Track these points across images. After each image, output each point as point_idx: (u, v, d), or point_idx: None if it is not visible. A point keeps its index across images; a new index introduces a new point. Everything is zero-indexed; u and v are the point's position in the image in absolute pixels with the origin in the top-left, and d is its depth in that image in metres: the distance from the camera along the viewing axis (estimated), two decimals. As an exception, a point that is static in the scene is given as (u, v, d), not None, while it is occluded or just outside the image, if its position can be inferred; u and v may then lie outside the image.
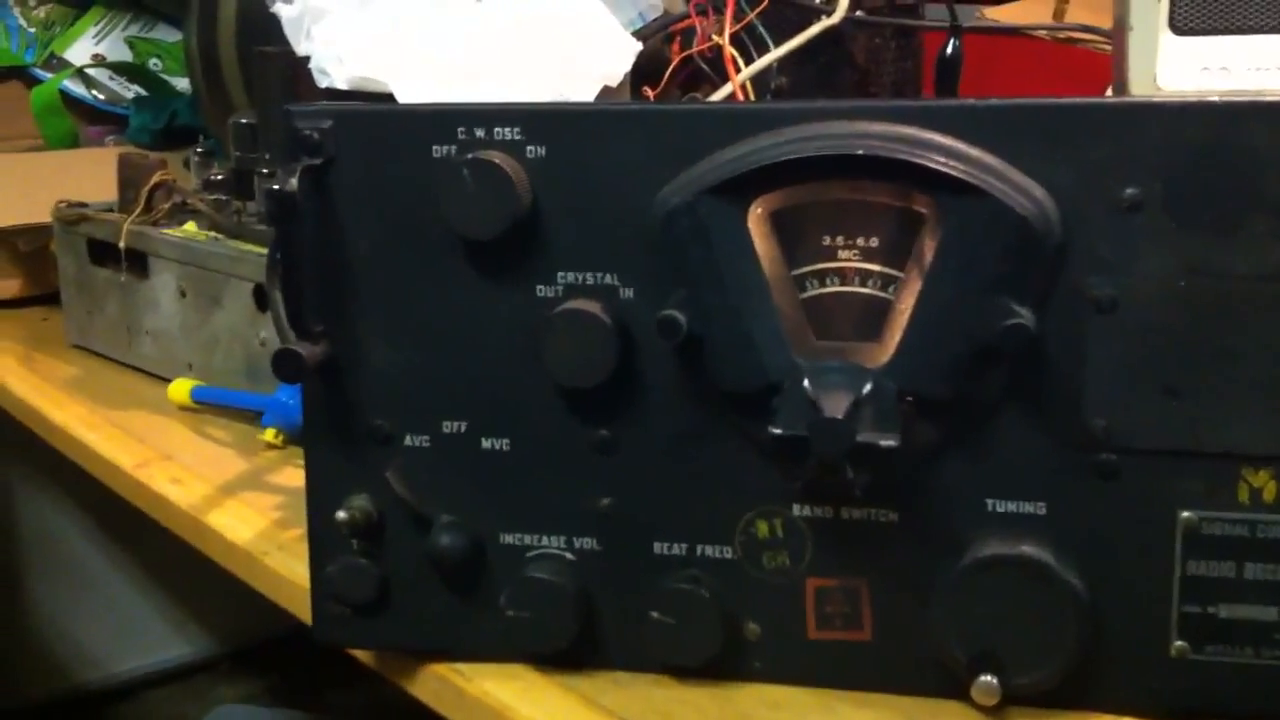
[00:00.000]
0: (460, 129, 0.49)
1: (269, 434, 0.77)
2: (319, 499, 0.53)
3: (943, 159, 0.46)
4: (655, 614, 0.50)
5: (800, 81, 0.89)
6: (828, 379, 0.47)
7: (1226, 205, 0.45)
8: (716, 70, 0.86)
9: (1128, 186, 0.45)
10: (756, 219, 0.48)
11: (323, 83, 0.73)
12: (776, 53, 0.82)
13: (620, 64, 0.76)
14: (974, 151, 0.46)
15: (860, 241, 0.48)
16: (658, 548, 0.51)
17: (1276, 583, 0.47)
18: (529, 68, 0.74)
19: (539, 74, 0.74)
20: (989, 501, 0.48)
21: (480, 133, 0.49)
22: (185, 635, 1.82)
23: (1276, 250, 0.45)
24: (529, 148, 0.49)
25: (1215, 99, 0.45)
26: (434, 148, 0.49)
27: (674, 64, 0.85)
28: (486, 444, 0.52)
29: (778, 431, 0.46)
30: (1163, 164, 0.45)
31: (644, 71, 0.84)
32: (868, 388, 0.46)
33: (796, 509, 0.50)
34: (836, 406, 0.45)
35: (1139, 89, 0.55)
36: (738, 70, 0.80)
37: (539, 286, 0.50)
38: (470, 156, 0.48)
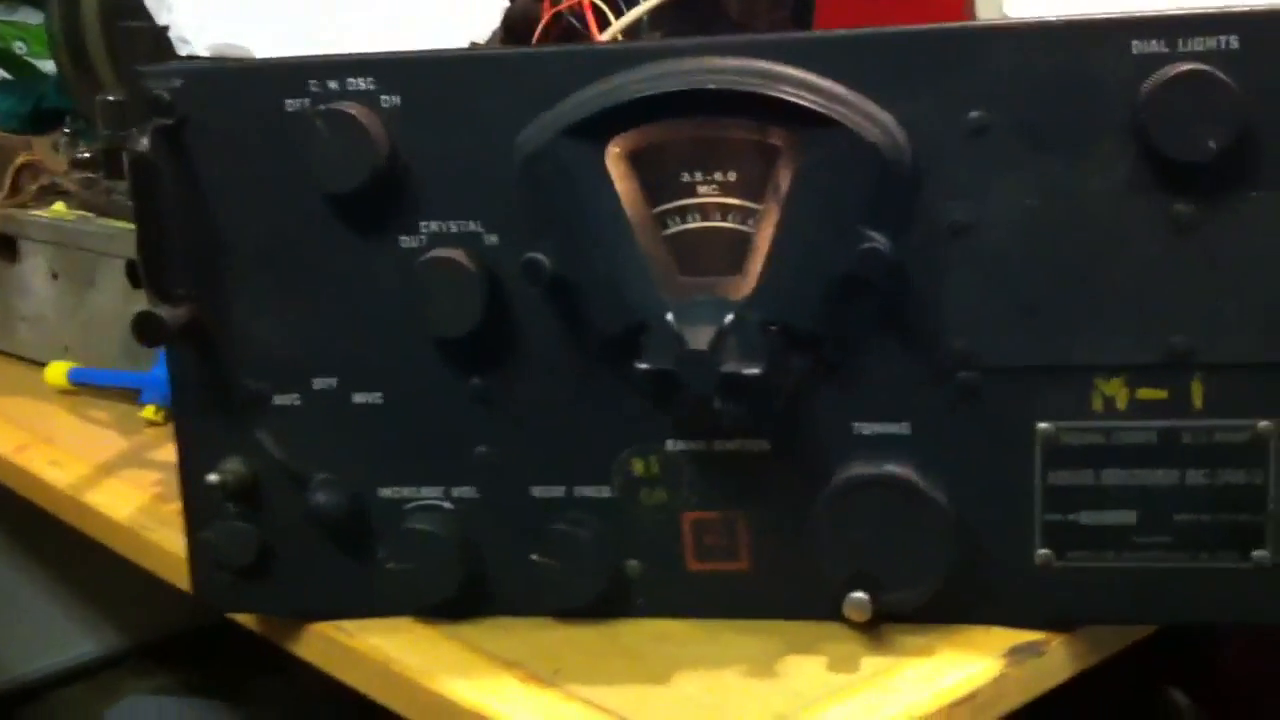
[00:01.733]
0: (312, 81, 0.49)
1: (149, 411, 0.76)
2: (192, 464, 0.53)
3: (793, 91, 0.46)
4: (537, 557, 0.51)
5: (675, 36, 0.90)
6: (692, 313, 0.47)
7: (1072, 126, 0.46)
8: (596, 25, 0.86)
9: (975, 110, 0.46)
10: (615, 159, 0.48)
11: (183, 51, 0.72)
12: (644, 6, 0.82)
13: (488, 21, 0.76)
14: (825, 83, 0.47)
15: (719, 177, 0.49)
16: (536, 491, 0.52)
17: (1134, 487, 0.48)
18: (396, 28, 0.74)
19: (406, 34, 0.73)
20: (855, 425, 0.49)
21: (333, 84, 0.49)
22: (93, 632, 1.78)
23: (1122, 169, 0.46)
24: (383, 97, 0.49)
25: (1054, 20, 0.46)
26: (287, 102, 0.49)
27: (545, 20, 0.84)
28: (359, 399, 0.52)
29: (645, 367, 0.47)
30: (1009, 88, 0.46)
31: (516, 30, 0.84)
32: (730, 319, 0.46)
33: (671, 445, 0.51)
34: (701, 339, 0.46)
35: (985, 15, 0.56)
36: (604, 23, 0.80)
37: (403, 237, 0.50)
38: (323, 108, 0.48)
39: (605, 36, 0.80)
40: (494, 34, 0.77)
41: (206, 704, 1.51)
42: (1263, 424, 0.47)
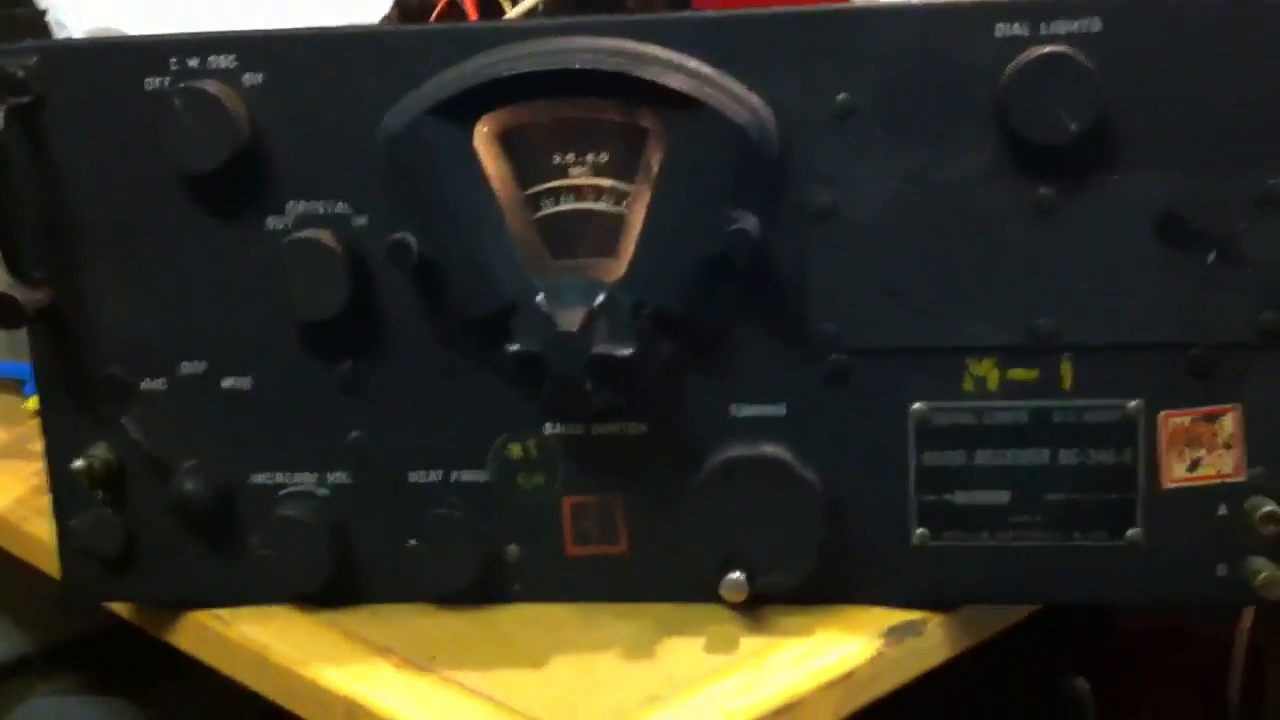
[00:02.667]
0: (173, 59, 0.48)
1: (32, 402, 0.74)
2: (57, 451, 0.51)
3: (659, 71, 0.46)
4: (413, 543, 0.50)
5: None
6: (562, 295, 0.47)
7: (937, 110, 0.46)
8: (486, 15, 0.85)
9: (842, 93, 0.46)
10: (484, 139, 0.47)
11: (60, 34, 0.70)
12: (540, -9, 0.82)
13: (378, 5, 0.75)
14: (692, 63, 0.47)
15: (591, 158, 0.48)
16: (412, 477, 0.51)
17: (1005, 466, 0.49)
18: (283, 11, 0.72)
19: (294, 17, 0.72)
20: (731, 407, 0.49)
21: (194, 62, 0.48)
22: (-3, 636, 1.74)
23: (986, 152, 0.46)
24: (245, 75, 0.48)
25: (919, 3, 0.46)
26: (146, 80, 0.48)
27: (439, 8, 0.84)
28: (227, 384, 0.51)
29: (515, 349, 0.46)
30: (874, 71, 0.46)
31: (410, 16, 0.83)
32: (601, 300, 0.46)
33: (548, 429, 0.51)
34: (571, 321, 0.46)
35: None
36: (490, 12, 0.79)
37: (269, 218, 0.49)
38: (181, 86, 0.47)
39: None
40: (385, 18, 0.76)
41: (110, 705, 1.47)
42: (1131, 404, 0.48)
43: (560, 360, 0.45)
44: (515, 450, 0.51)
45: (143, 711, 1.55)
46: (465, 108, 0.47)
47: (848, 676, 0.46)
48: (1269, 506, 0.46)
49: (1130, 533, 0.48)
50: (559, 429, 0.50)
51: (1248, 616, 0.84)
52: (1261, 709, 0.98)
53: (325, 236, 0.48)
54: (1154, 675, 1.02)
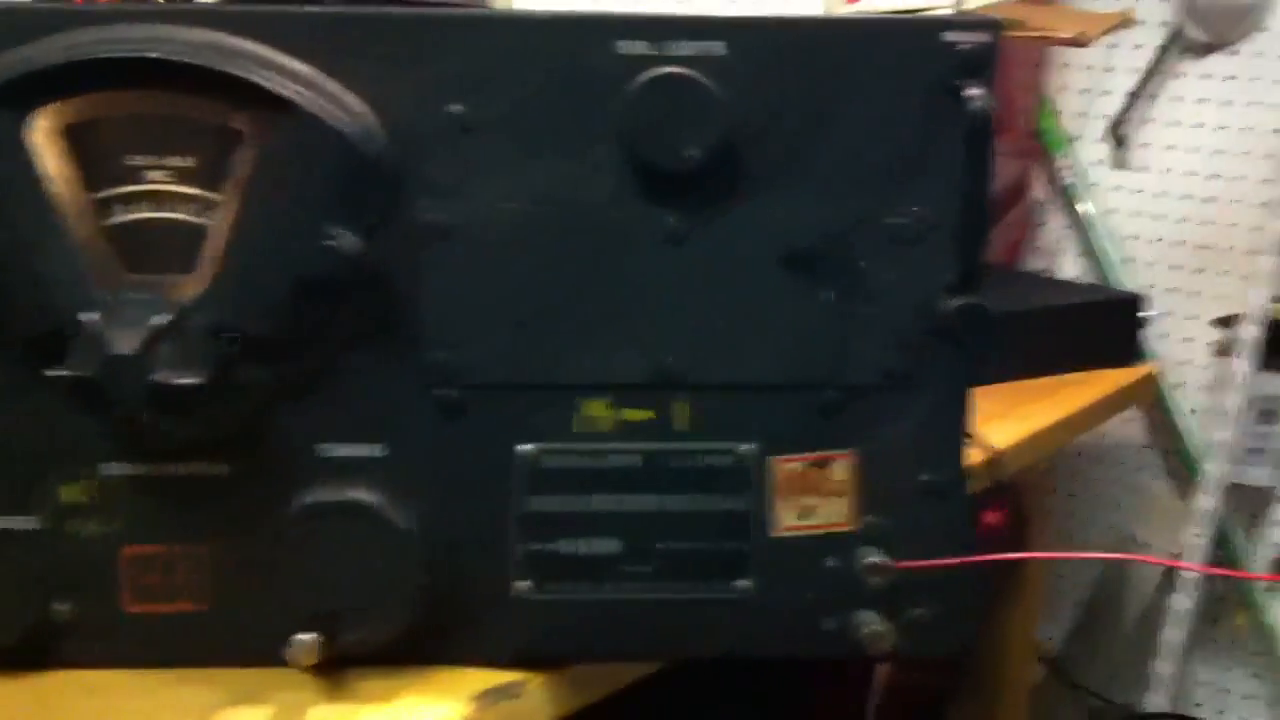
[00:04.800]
0: None
1: None
2: None
3: (247, 67, 0.41)
4: (-60, 598, 0.43)
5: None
6: (124, 314, 0.41)
7: (561, 128, 0.43)
8: None
9: (457, 104, 0.43)
10: (44, 134, 0.41)
11: None
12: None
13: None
14: (291, 62, 0.42)
15: (174, 161, 0.43)
16: (-56, 521, 0.44)
17: (616, 514, 0.46)
18: None
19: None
20: (322, 447, 0.45)
21: None
22: None
23: (611, 176, 0.44)
24: None
25: (540, 13, 0.43)
26: None
27: None
28: None
29: (63, 373, 0.40)
30: (494, 82, 0.43)
31: None
32: (164, 321, 0.41)
33: (108, 468, 0.44)
34: (128, 343, 0.40)
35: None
36: None
37: None
38: None
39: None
40: None
41: None
42: (744, 447, 0.46)
43: (114, 386, 0.40)
44: (68, 492, 0.44)
45: None
46: (20, 96, 0.41)
47: (430, 748, 0.42)
48: (874, 557, 0.45)
49: (740, 584, 0.46)
50: (122, 468, 0.44)
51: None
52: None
53: None
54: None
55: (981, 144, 0.44)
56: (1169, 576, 1.30)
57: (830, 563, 0.46)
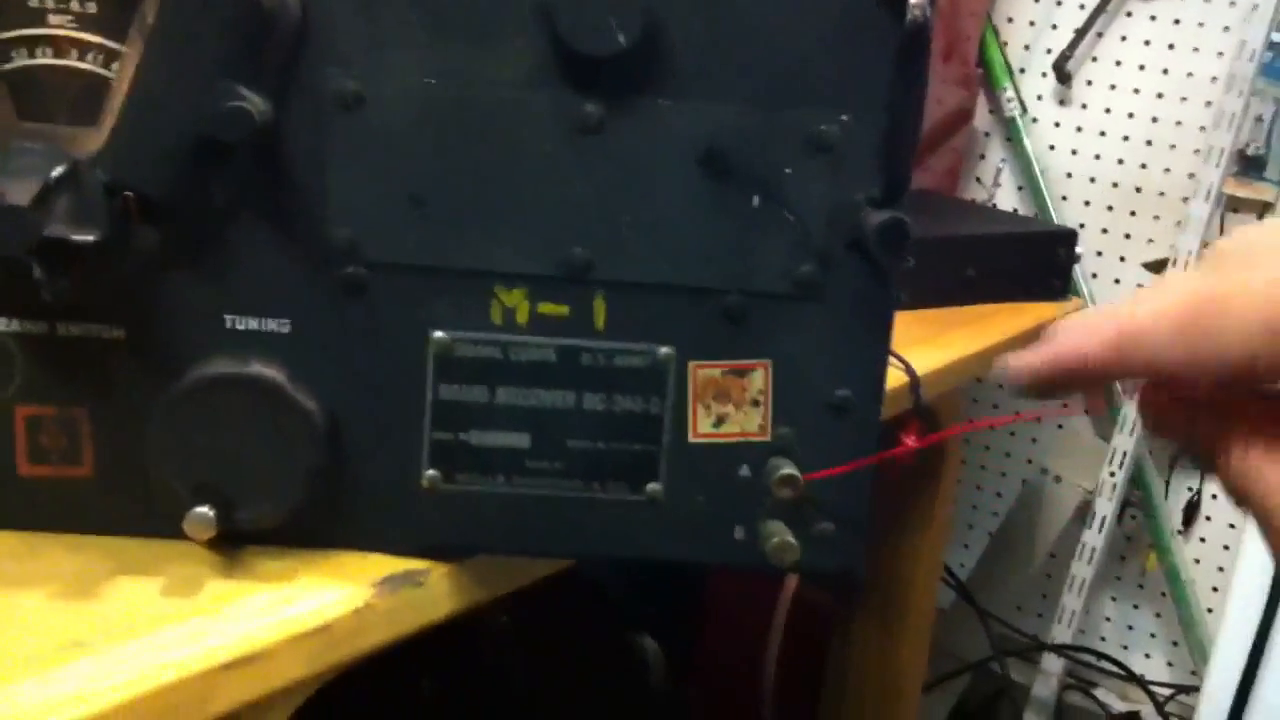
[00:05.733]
0: None
1: None
2: None
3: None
4: None
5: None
6: (18, 162, 0.39)
7: (478, 4, 0.41)
8: None
9: None
10: (-63, -36, 0.39)
11: None
12: None
13: None
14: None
15: (76, 6, 0.40)
16: None
17: (528, 408, 0.45)
18: None
19: None
20: (228, 318, 0.43)
21: None
22: None
23: (530, 58, 0.42)
24: None
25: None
26: None
27: None
28: None
29: (-52, 221, 0.38)
30: None
31: None
32: (61, 173, 0.39)
33: (3, 323, 0.43)
34: (20, 193, 0.38)
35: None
36: None
37: None
38: None
39: None
40: None
41: None
42: (663, 350, 0.45)
43: (5, 239, 0.38)
44: (-42, 346, 0.42)
45: None
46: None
47: (325, 629, 0.41)
48: (787, 469, 0.45)
49: (650, 487, 0.46)
50: (14, 325, 0.43)
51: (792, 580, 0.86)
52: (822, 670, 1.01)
53: None
54: (722, 632, 1.04)
55: (915, 56, 0.42)
56: (1082, 511, 1.33)
57: (742, 471, 0.46)
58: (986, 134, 1.39)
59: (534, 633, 0.84)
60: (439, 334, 0.44)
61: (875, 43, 0.42)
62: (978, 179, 1.40)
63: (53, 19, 0.41)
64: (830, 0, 0.42)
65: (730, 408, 0.46)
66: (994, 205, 1.38)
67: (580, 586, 0.87)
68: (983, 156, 1.39)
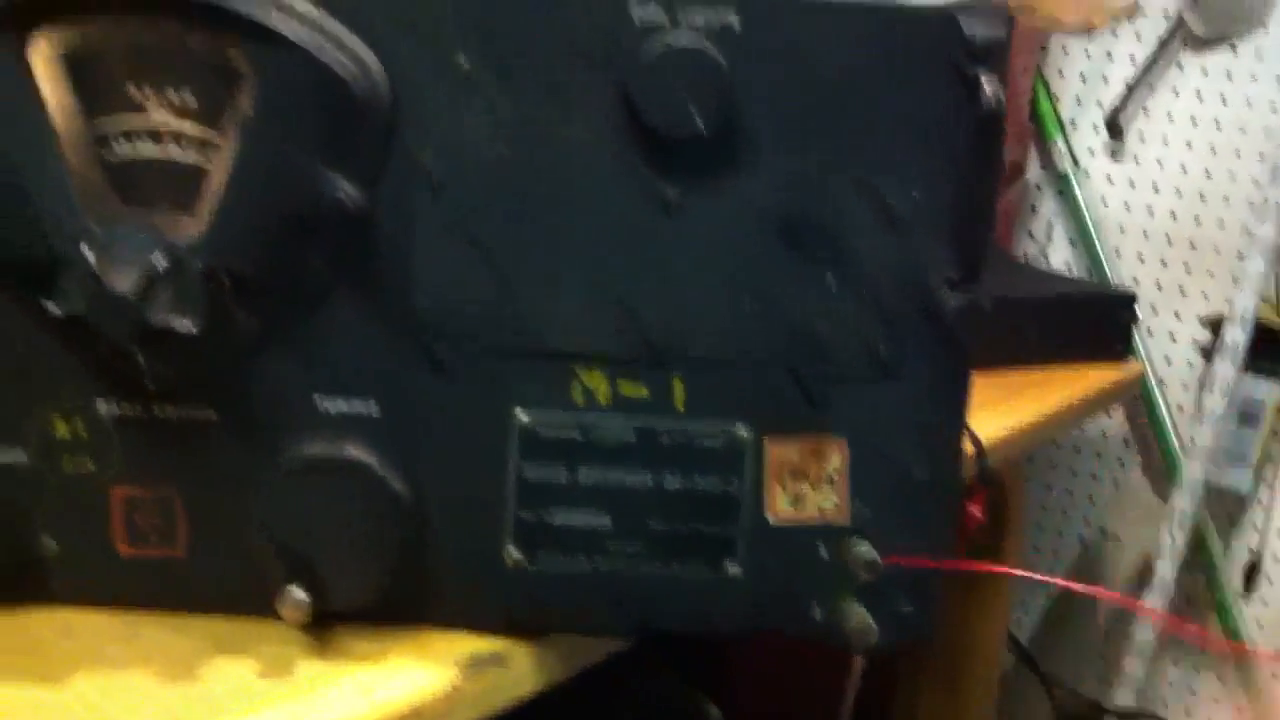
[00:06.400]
0: None
1: None
2: None
3: (249, 2, 0.40)
4: (-81, 530, 0.42)
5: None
6: (120, 251, 0.40)
7: (565, 87, 0.42)
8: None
9: (462, 55, 0.42)
10: (43, 58, 0.40)
11: None
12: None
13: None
14: (294, 1, 0.41)
15: (173, 96, 0.42)
16: (-73, 452, 0.43)
17: (609, 489, 0.45)
18: None
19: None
20: (318, 399, 0.44)
21: None
22: None
23: (612, 140, 0.42)
24: None
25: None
26: None
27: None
28: None
29: (54, 310, 0.39)
30: (498, 35, 0.42)
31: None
32: (164, 262, 0.40)
33: (102, 406, 0.44)
34: (124, 281, 0.39)
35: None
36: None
37: None
38: None
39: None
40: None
41: None
42: (739, 428, 0.45)
43: (108, 326, 0.39)
44: (60, 427, 0.44)
45: None
46: (20, 17, 0.40)
47: (415, 714, 0.42)
48: (867, 552, 0.45)
49: (730, 568, 0.46)
50: (114, 407, 0.44)
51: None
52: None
53: None
54: (777, 693, 1.03)
55: (991, 135, 0.43)
56: (1142, 573, 1.31)
57: (820, 552, 0.46)
58: (1038, 187, 1.39)
59: (600, 699, 0.84)
60: (522, 414, 0.45)
61: (949, 121, 0.43)
62: (1029, 233, 1.40)
63: (151, 110, 0.42)
64: (905, 83, 0.43)
65: (807, 486, 0.46)
66: (1046, 260, 1.38)
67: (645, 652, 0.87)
68: (1034, 209, 1.39)
